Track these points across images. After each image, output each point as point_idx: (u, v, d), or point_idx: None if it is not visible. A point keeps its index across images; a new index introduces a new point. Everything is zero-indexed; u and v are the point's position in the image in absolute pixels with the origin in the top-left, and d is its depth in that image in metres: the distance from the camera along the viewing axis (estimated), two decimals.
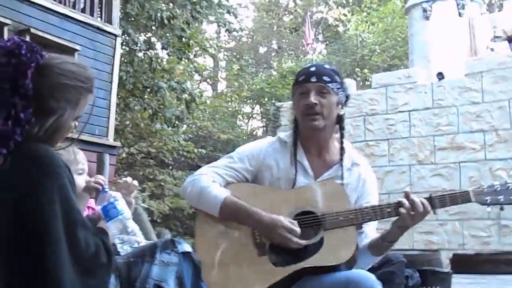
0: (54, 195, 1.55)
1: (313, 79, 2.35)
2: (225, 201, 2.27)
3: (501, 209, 2.27)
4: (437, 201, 2.23)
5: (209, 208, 2.30)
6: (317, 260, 2.17)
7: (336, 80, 2.37)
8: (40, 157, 1.58)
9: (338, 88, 2.37)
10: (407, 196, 2.23)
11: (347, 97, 2.43)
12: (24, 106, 1.61)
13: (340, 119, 2.40)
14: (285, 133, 2.49)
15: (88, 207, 2.80)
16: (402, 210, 2.19)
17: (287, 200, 2.29)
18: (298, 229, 2.21)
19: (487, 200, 2.24)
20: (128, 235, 2.05)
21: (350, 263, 2.18)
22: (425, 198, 2.24)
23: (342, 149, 2.39)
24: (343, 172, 2.36)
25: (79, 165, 2.57)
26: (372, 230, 2.39)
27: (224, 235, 2.30)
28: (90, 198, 2.64)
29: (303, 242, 2.20)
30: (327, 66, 2.44)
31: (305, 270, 2.18)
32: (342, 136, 2.42)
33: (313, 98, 2.32)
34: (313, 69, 2.39)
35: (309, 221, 2.25)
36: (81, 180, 2.48)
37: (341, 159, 2.37)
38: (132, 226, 2.02)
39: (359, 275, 2.07)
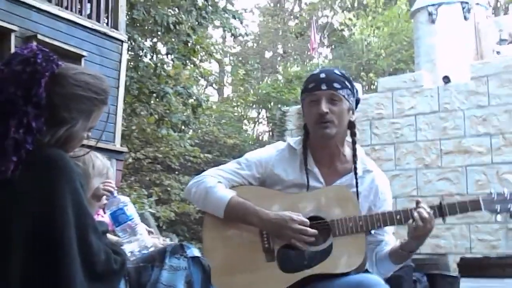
0: (67, 199, 1.55)
1: (324, 87, 2.26)
2: (231, 201, 2.23)
3: (511, 216, 2.24)
4: (447, 209, 2.19)
5: (214, 209, 2.26)
6: (326, 267, 2.14)
7: (347, 86, 2.29)
8: (53, 161, 1.59)
9: (348, 94, 2.29)
10: (417, 204, 2.19)
11: (357, 101, 2.36)
12: (36, 115, 1.60)
13: (351, 125, 2.33)
14: (294, 139, 2.42)
15: (97, 214, 2.81)
16: (409, 220, 2.16)
17: (296, 205, 2.25)
18: (308, 221, 2.18)
19: (497, 208, 2.21)
20: (137, 239, 2.06)
21: (359, 270, 2.16)
22: (435, 205, 2.20)
23: (355, 156, 2.31)
24: (357, 181, 2.29)
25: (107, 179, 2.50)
26: (391, 237, 2.34)
27: (232, 240, 2.27)
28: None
29: (315, 231, 2.17)
30: (337, 71, 2.34)
31: (314, 277, 2.15)
32: (354, 143, 2.33)
33: (324, 107, 2.23)
34: (322, 75, 2.29)
35: (318, 227, 2.21)
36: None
37: (355, 167, 2.30)
38: (142, 231, 2.03)
39: (369, 279, 2.05)
